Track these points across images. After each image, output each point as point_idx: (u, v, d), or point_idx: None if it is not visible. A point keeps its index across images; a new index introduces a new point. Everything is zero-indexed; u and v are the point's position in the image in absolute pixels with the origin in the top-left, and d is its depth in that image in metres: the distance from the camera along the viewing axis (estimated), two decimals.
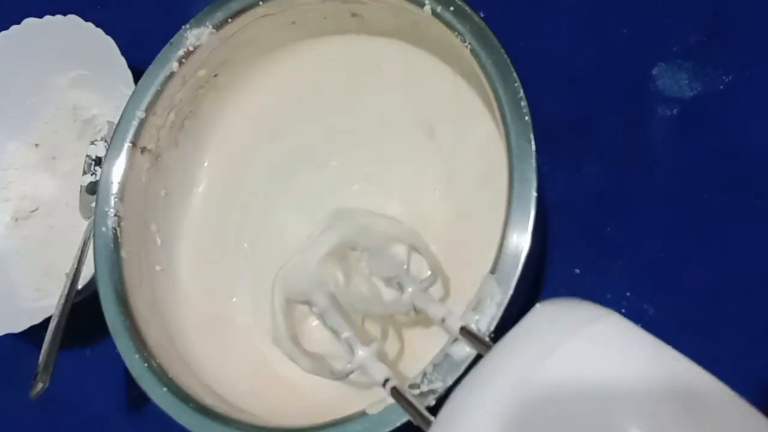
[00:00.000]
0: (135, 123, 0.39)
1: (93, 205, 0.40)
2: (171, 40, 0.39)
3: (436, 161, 0.39)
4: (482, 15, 0.33)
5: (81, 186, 0.48)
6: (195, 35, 0.39)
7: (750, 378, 0.33)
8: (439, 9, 0.33)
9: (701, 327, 0.35)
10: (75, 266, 0.43)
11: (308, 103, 0.42)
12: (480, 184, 0.37)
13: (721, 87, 0.37)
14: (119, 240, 0.38)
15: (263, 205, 0.42)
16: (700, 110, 0.37)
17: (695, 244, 0.36)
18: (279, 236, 0.41)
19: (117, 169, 0.39)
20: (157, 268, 0.39)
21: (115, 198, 0.38)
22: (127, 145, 0.39)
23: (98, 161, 0.47)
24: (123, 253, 0.37)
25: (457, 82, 0.37)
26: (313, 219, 0.38)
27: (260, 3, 0.38)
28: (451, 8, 0.33)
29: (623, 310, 0.36)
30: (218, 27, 0.39)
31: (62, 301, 0.41)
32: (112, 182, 0.38)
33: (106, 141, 0.47)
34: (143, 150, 0.39)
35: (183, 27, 0.39)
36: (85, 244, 0.44)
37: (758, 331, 0.34)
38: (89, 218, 0.46)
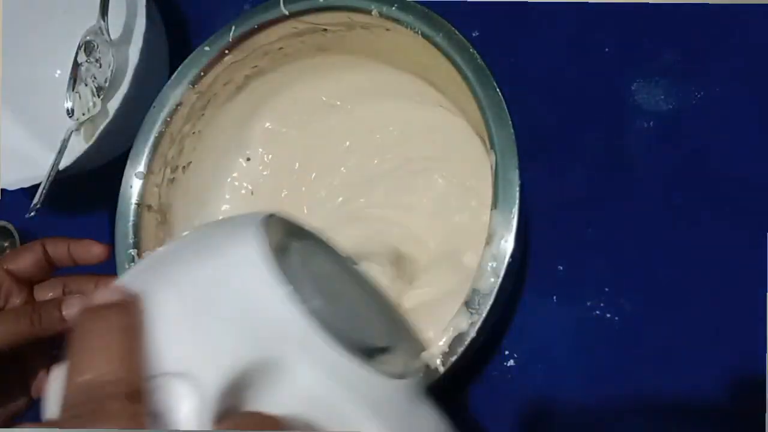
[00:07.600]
0: (137, 184, 0.40)
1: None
2: (154, 103, 0.40)
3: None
4: (476, 34, 0.35)
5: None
6: (176, 95, 0.40)
7: (713, 366, 0.35)
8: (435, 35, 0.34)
9: (672, 320, 0.37)
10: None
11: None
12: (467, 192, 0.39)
13: (694, 102, 0.39)
14: None
15: None
16: (674, 123, 0.39)
17: (668, 245, 0.38)
18: None
19: (131, 227, 0.40)
20: None
21: (132, 252, 0.39)
22: (133, 206, 0.40)
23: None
24: None
25: (438, 111, 0.40)
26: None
27: (227, 52, 0.40)
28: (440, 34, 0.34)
29: (602, 304, 0.38)
30: (194, 82, 0.40)
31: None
32: (129, 240, 0.39)
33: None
34: (149, 208, 0.40)
35: (164, 87, 0.40)
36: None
37: (722, 323, 0.36)
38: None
